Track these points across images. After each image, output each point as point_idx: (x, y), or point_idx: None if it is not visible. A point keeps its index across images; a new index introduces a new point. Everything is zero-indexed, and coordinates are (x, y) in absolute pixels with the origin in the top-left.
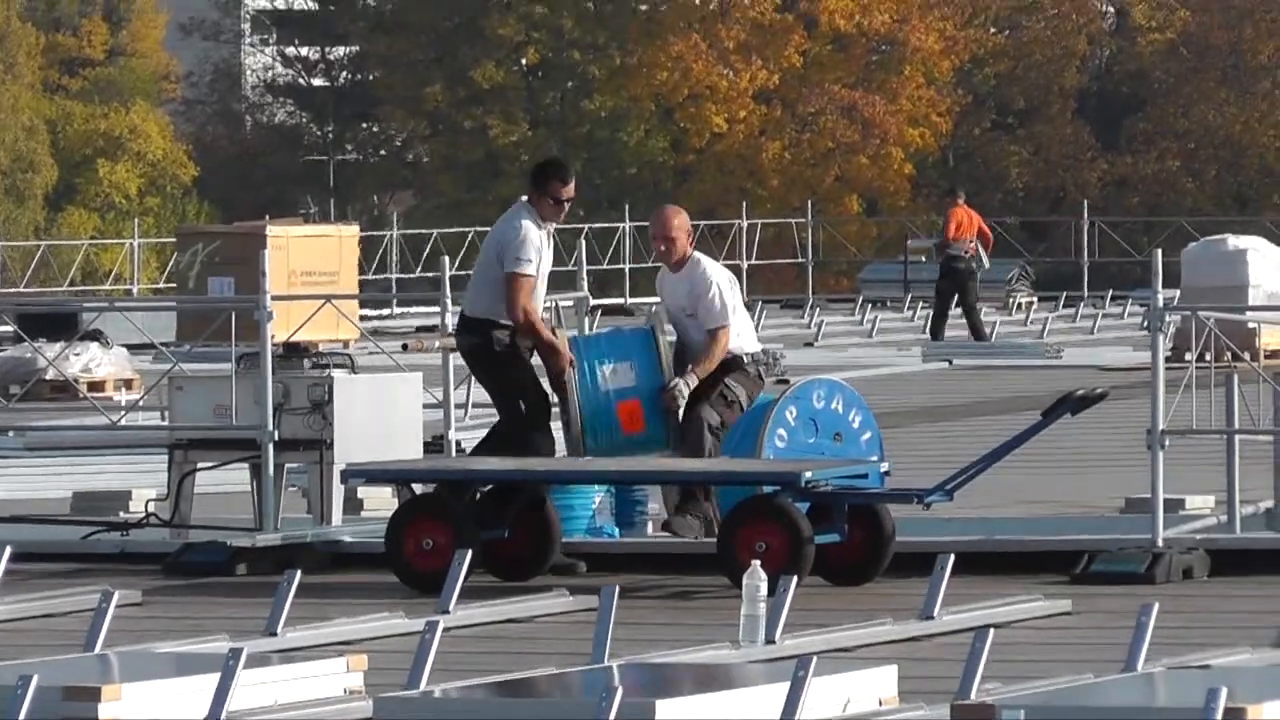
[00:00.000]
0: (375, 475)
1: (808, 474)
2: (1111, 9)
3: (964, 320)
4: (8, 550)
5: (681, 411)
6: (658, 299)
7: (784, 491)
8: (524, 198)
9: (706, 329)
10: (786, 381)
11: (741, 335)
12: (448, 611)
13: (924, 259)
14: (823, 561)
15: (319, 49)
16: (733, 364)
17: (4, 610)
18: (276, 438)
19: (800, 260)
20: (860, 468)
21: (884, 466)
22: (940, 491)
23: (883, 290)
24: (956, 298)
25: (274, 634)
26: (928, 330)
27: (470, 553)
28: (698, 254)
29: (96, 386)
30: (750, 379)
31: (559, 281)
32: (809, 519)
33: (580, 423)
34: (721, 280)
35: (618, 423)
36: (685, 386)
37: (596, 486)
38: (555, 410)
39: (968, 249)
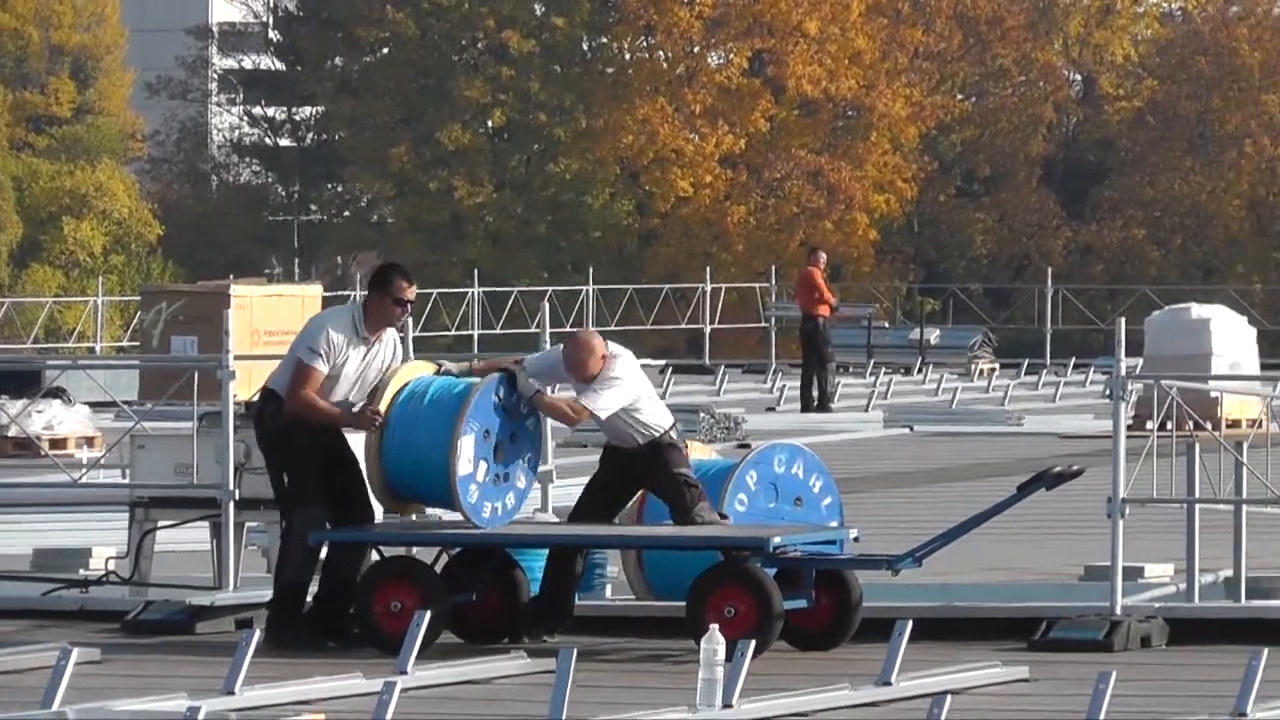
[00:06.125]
0: (338, 537)
1: (775, 539)
2: (1079, 77)
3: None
4: None
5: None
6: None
7: (754, 557)
8: (359, 300)
9: (580, 397)
10: (748, 446)
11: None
12: (405, 672)
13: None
14: (789, 627)
15: (285, 109)
16: (671, 446)
17: None
18: (237, 497)
19: (763, 325)
20: (829, 534)
21: (853, 533)
22: (910, 559)
23: (845, 356)
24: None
25: (232, 693)
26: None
27: (429, 614)
28: (615, 351)
29: (58, 444)
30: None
31: (521, 343)
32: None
33: (382, 477)
34: (625, 377)
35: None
36: (536, 386)
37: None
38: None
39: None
